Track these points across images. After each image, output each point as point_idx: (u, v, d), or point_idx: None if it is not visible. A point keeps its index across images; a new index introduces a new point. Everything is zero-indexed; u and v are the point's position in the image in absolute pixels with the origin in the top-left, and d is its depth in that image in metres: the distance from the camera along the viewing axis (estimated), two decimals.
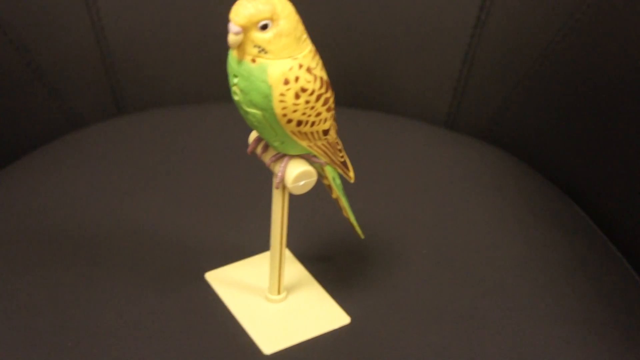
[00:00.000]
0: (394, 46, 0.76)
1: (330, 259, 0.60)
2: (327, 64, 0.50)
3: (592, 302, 0.60)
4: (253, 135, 0.53)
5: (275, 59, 0.46)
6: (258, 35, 0.45)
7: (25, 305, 0.56)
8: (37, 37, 0.71)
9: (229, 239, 0.61)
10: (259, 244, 0.60)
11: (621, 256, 0.66)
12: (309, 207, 0.63)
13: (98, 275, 0.58)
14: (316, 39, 0.50)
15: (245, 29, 0.45)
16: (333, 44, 0.75)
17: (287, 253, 0.59)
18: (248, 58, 0.46)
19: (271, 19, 0.45)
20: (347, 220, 0.57)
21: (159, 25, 0.75)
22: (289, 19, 0.45)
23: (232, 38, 0.45)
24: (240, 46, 0.46)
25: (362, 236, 0.59)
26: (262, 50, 0.45)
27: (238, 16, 0.45)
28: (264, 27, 0.45)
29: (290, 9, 0.46)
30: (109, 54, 0.75)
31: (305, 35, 0.47)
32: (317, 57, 0.48)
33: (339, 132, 0.52)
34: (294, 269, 0.59)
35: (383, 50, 0.76)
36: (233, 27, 0.45)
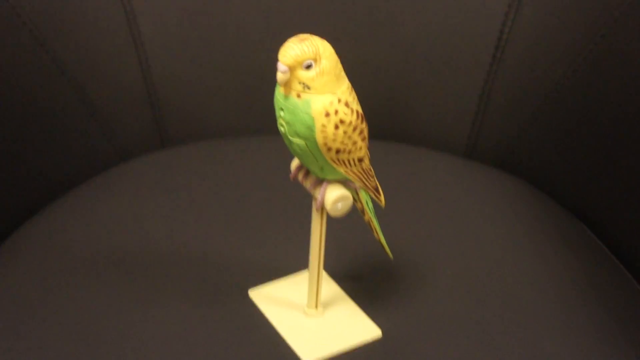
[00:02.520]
0: (416, 81, 0.80)
1: (362, 277, 0.65)
2: (359, 98, 0.54)
3: (602, 317, 0.64)
4: (295, 163, 0.57)
5: (317, 94, 0.50)
6: (303, 74, 0.50)
7: (85, 321, 0.60)
8: (90, 76, 0.76)
9: (271, 258, 0.66)
10: (298, 263, 0.64)
11: (630, 275, 0.70)
12: (343, 229, 0.67)
13: (149, 295, 0.62)
14: (350, 75, 0.54)
15: (291, 68, 0.50)
16: (363, 80, 0.78)
17: (323, 272, 0.63)
18: (293, 93, 0.51)
19: (314, 60, 0.50)
20: (378, 241, 0.61)
21: (201, 63, 0.79)
22: (329, 59, 0.50)
23: (280, 76, 0.50)
24: (287, 83, 0.50)
25: (392, 256, 0.63)
26: (306, 86, 0.50)
27: (286, 57, 0.50)
28: (308, 67, 0.50)
29: (330, 50, 0.51)
30: (154, 90, 0.79)
31: (343, 73, 0.52)
32: (353, 92, 0.53)
33: (371, 161, 0.57)
34: (329, 287, 0.63)
35: (405, 86, 0.80)
36: (281, 66, 0.50)
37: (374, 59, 0.80)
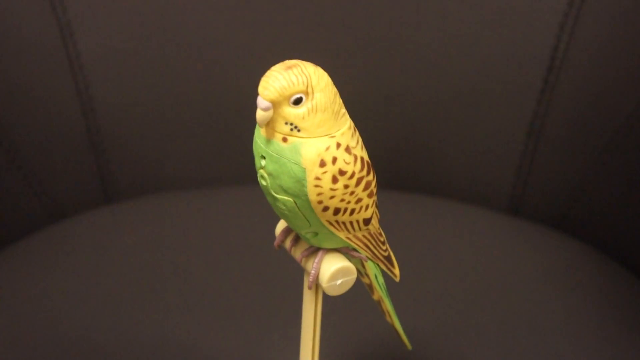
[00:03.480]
0: (444, 118, 0.81)
1: None
2: (366, 140, 0.54)
3: None
4: (280, 225, 0.58)
5: (310, 137, 0.51)
6: (290, 111, 0.50)
7: None
8: (13, 115, 0.77)
9: (247, 353, 0.66)
10: (285, 358, 0.65)
11: None
12: (345, 311, 0.67)
13: None
14: (353, 111, 0.54)
15: (275, 104, 0.50)
16: (372, 115, 0.81)
17: None
18: (278, 137, 0.51)
19: (305, 93, 0.50)
20: (392, 327, 0.61)
21: (156, 98, 0.80)
22: (325, 92, 0.51)
23: (260, 115, 0.50)
24: (270, 123, 0.51)
25: (410, 347, 0.63)
26: (295, 127, 0.50)
27: (268, 90, 0.50)
28: (297, 102, 0.50)
29: (327, 80, 0.51)
30: (97, 132, 0.80)
31: (343, 110, 0.52)
32: (357, 134, 0.53)
33: (381, 220, 0.57)
34: None
35: (430, 123, 0.82)
36: (262, 102, 0.50)
37: (386, 91, 0.81)
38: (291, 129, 0.51)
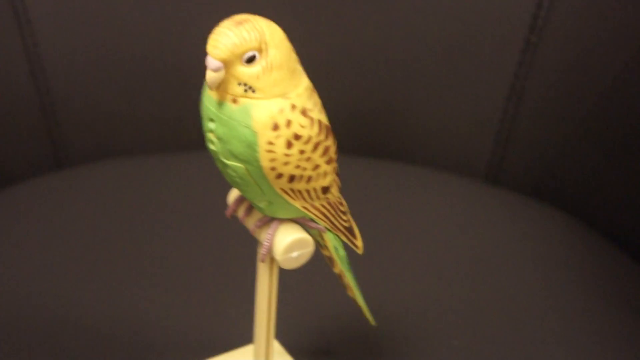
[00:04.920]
0: (418, 78, 0.81)
1: (331, 353, 0.64)
2: (328, 102, 0.54)
3: None
4: (233, 194, 0.57)
5: (265, 98, 0.50)
6: (244, 71, 0.49)
7: None
8: None
9: (201, 328, 0.65)
10: (239, 335, 0.64)
11: None
12: (303, 285, 0.67)
13: None
14: (313, 71, 0.54)
15: (227, 64, 0.49)
16: (336, 75, 0.80)
17: (276, 345, 0.63)
18: (228, 98, 0.50)
19: (259, 49, 0.49)
20: (354, 301, 0.60)
21: (106, 61, 0.79)
22: (280, 48, 0.50)
23: (211, 76, 0.49)
24: (221, 85, 0.49)
25: (374, 322, 0.62)
26: (250, 88, 0.49)
27: (218, 48, 0.48)
28: (250, 60, 0.49)
29: (281, 35, 0.50)
30: (47, 93, 0.79)
31: (300, 67, 0.51)
32: (315, 96, 0.52)
33: (344, 189, 0.56)
34: None
35: (403, 83, 0.81)
36: (212, 62, 0.48)
37: (353, 48, 0.81)
38: (245, 90, 0.50)
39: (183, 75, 0.80)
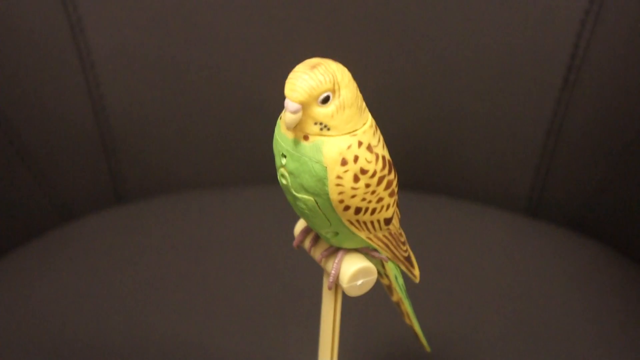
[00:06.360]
0: (462, 116, 0.82)
1: None
2: (385, 139, 0.55)
3: None
4: (300, 225, 0.59)
5: (339, 134, 0.52)
6: (320, 111, 0.51)
7: None
8: (25, 116, 0.78)
9: (265, 354, 0.66)
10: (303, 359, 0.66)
11: None
12: (363, 312, 0.68)
13: None
14: (371, 110, 0.55)
15: (304, 105, 0.51)
16: (390, 114, 0.81)
17: None
18: (300, 135, 0.52)
19: (332, 90, 0.51)
20: (410, 328, 0.62)
21: (165, 100, 0.81)
22: (350, 88, 0.52)
23: (290, 117, 0.51)
24: (298, 125, 0.51)
25: (429, 349, 0.64)
26: (325, 126, 0.51)
27: (296, 92, 0.50)
28: (326, 100, 0.51)
29: (349, 76, 0.52)
30: (109, 132, 0.81)
31: (364, 104, 0.53)
32: (378, 132, 0.54)
33: (401, 221, 0.58)
34: None
35: (448, 122, 0.82)
36: (292, 105, 0.50)
37: (404, 89, 0.81)
38: (320, 129, 0.52)
39: (237, 116, 0.81)
